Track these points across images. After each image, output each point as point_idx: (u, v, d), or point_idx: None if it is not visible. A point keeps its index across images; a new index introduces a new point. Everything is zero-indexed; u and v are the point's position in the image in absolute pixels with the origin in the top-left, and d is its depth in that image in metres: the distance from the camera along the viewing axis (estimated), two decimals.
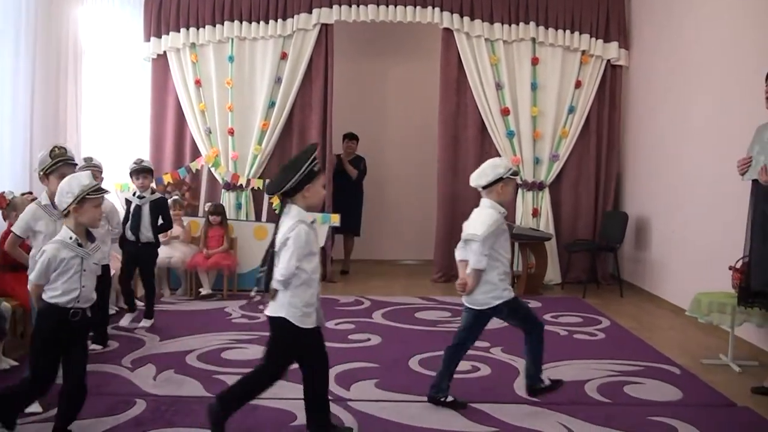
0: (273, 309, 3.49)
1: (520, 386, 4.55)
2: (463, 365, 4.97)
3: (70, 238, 3.42)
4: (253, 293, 3.64)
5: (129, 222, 6.00)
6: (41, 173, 4.20)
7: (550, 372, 4.79)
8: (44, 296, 3.40)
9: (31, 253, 4.14)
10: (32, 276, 3.41)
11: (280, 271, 3.41)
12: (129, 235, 5.99)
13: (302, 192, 3.52)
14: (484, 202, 4.20)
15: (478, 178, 4.17)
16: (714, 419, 4.05)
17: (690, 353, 5.50)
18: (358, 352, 5.39)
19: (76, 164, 4.60)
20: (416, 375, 4.82)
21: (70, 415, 3.50)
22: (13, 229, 4.32)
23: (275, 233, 3.51)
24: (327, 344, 5.12)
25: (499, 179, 4.14)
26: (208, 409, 3.53)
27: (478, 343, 5.63)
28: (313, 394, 3.62)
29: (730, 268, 5.06)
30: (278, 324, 3.48)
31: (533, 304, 7.22)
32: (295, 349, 3.56)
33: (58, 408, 3.51)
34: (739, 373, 5.00)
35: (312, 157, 3.49)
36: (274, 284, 3.45)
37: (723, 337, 5.60)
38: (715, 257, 5.85)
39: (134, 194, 6.16)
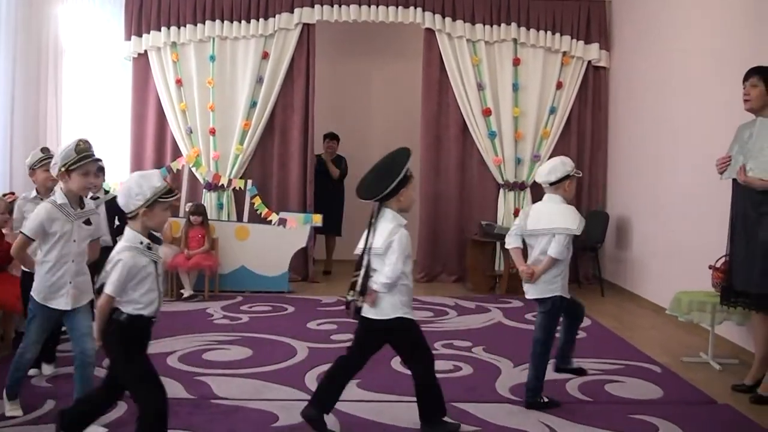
0: (381, 312, 3.61)
1: (501, 385, 4.57)
2: (445, 365, 4.99)
3: (141, 242, 3.14)
4: (351, 297, 3.63)
5: None
6: (63, 168, 3.71)
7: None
8: (125, 309, 3.11)
9: (38, 258, 3.77)
10: (110, 289, 3.06)
11: (386, 274, 3.53)
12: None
13: (397, 196, 3.66)
14: (554, 197, 4.28)
15: (549, 174, 4.25)
16: (694, 417, 4.08)
17: (671, 352, 5.54)
18: (341, 353, 5.36)
19: (100, 160, 4.44)
20: (398, 375, 4.80)
21: None
22: (23, 230, 3.75)
23: (368, 237, 3.62)
24: (309, 345, 5.13)
25: (567, 176, 4.25)
26: (306, 416, 3.65)
27: (459, 343, 5.68)
28: (425, 386, 3.76)
29: (711, 267, 5.10)
30: (397, 325, 3.64)
31: (515, 303, 7.27)
32: (417, 343, 3.74)
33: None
34: (719, 371, 5.04)
35: (408, 161, 3.64)
36: (379, 287, 3.56)
37: (703, 336, 5.65)
38: (695, 256, 5.89)
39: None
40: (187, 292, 7.41)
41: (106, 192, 5.81)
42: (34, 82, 7.53)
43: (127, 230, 3.17)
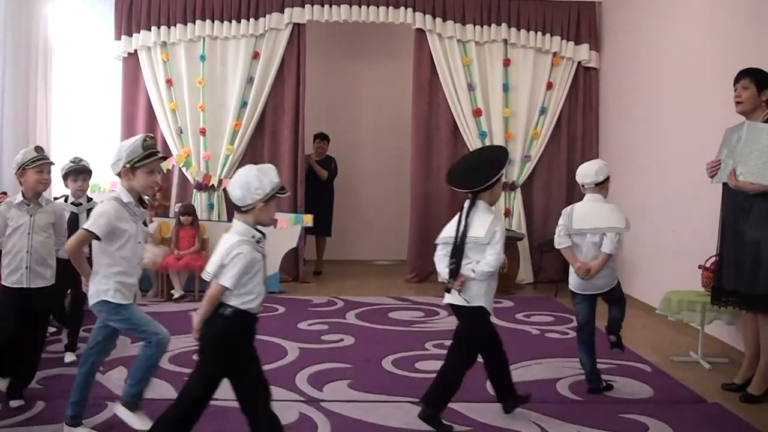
0: (469, 298, 3.77)
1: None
2: (436, 365, 4.98)
3: (253, 236, 3.11)
4: (449, 284, 3.79)
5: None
6: (128, 165, 3.51)
7: (522, 371, 4.83)
8: (232, 303, 3.08)
9: (104, 261, 3.54)
10: (230, 282, 3.03)
11: (491, 263, 3.72)
12: (63, 251, 4.43)
13: (492, 190, 3.85)
14: (597, 197, 4.50)
15: (597, 175, 4.48)
16: (685, 416, 4.10)
17: (661, 351, 5.56)
18: (332, 353, 5.37)
19: (165, 158, 4.29)
20: (389, 375, 4.82)
21: None
22: (89, 227, 3.47)
23: (464, 227, 3.77)
24: (299, 345, 5.12)
25: (608, 177, 4.52)
26: (423, 418, 3.78)
27: (450, 343, 5.65)
28: (500, 373, 4.04)
29: (700, 267, 5.13)
30: (477, 313, 3.81)
31: (506, 303, 7.27)
32: (478, 338, 3.92)
33: None
34: (709, 370, 5.07)
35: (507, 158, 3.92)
36: (479, 275, 3.74)
37: (693, 335, 5.67)
38: (685, 256, 5.92)
39: (66, 200, 5.09)
40: (177, 293, 7.38)
41: (89, 199, 5.17)
42: (23, 81, 7.49)
43: (239, 224, 3.15)
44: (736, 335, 5.42)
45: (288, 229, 7.89)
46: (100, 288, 3.53)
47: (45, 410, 3.98)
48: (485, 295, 3.80)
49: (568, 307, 7.14)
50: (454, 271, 3.77)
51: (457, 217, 3.86)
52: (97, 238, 3.48)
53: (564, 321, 6.54)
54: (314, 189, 8.94)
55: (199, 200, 8.49)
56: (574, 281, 4.54)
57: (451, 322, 6.40)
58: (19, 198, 4.11)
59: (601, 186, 4.48)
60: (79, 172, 5.02)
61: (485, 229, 3.74)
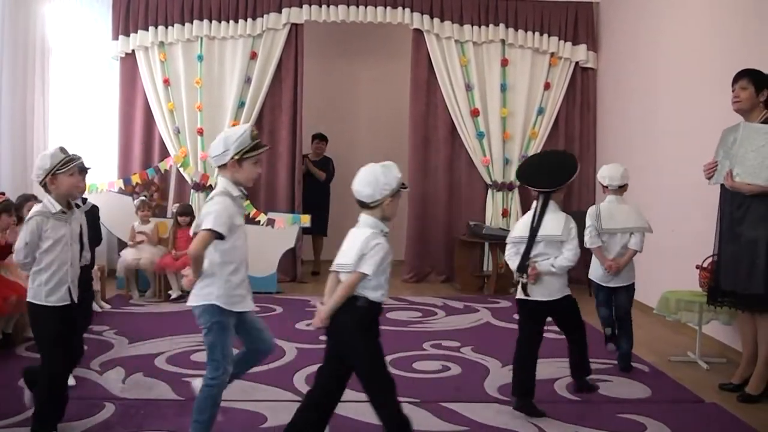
0: (551, 293, 4.10)
1: (490, 385, 4.57)
2: (433, 365, 5.00)
3: (382, 230, 3.23)
4: (518, 278, 4.10)
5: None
6: (236, 156, 3.35)
7: None
8: (368, 294, 3.18)
9: (216, 260, 3.32)
10: (371, 269, 3.13)
11: (570, 258, 4.03)
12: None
13: (561, 190, 4.17)
14: (621, 198, 5.00)
15: (622, 179, 4.96)
16: (682, 416, 4.10)
17: (658, 351, 5.56)
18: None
19: (270, 148, 4.10)
20: None
21: None
22: (213, 227, 3.23)
23: (538, 224, 4.05)
24: (297, 346, 5.13)
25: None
26: (518, 408, 4.04)
27: (448, 343, 5.68)
28: (581, 348, 4.45)
29: (698, 267, 5.13)
30: (568, 301, 4.22)
31: (503, 303, 7.28)
32: (578, 315, 4.38)
33: None
34: (706, 370, 5.07)
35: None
36: (559, 270, 4.06)
37: (690, 335, 5.68)
38: (683, 256, 5.92)
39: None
40: (174, 293, 7.38)
41: (84, 200, 4.64)
42: (21, 81, 7.49)
43: (369, 219, 3.26)
44: (733, 335, 5.42)
45: (285, 230, 7.89)
46: (212, 291, 3.33)
47: None
48: (565, 286, 4.18)
49: None
50: (524, 267, 4.06)
51: (528, 217, 4.14)
52: (221, 238, 3.26)
53: None
54: (310, 189, 8.94)
55: (196, 200, 8.47)
56: (599, 274, 5.03)
57: (448, 323, 6.43)
58: (56, 207, 3.58)
59: (624, 188, 4.99)
60: (80, 171, 4.48)
61: (561, 226, 4.04)
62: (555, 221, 4.05)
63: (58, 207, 3.58)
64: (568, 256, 4.03)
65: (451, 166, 8.87)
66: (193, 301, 3.37)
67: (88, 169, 4.28)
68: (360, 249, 3.15)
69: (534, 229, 4.05)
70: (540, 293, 4.09)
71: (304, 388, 4.47)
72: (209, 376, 3.35)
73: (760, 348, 4.41)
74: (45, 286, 3.53)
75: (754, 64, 4.51)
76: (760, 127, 4.30)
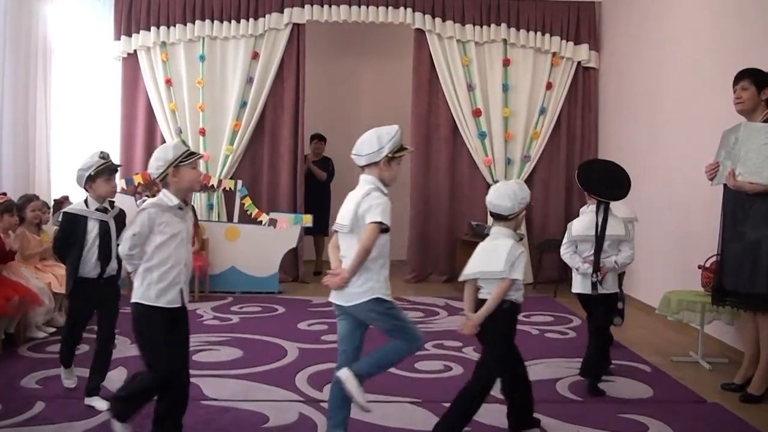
0: (610, 287, 4.55)
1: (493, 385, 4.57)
2: (435, 365, 5.00)
3: (520, 238, 3.70)
4: (594, 278, 4.52)
5: (94, 249, 4.05)
6: (389, 155, 3.42)
7: None
8: (512, 297, 3.60)
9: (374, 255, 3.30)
10: (520, 274, 3.55)
11: (631, 256, 4.55)
12: (90, 268, 4.05)
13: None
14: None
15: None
16: (684, 416, 4.10)
17: (660, 351, 5.56)
18: (331, 353, 5.32)
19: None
20: (388, 375, 4.78)
21: None
22: (382, 219, 3.23)
23: (604, 226, 4.51)
24: (299, 346, 5.12)
25: None
26: (588, 388, 4.47)
27: (450, 343, 5.68)
28: (602, 354, 4.68)
29: (700, 267, 5.13)
30: (614, 297, 4.71)
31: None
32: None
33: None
34: (708, 370, 5.07)
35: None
36: (622, 266, 4.61)
37: (692, 335, 5.67)
38: (684, 256, 5.92)
39: (88, 205, 4.10)
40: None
41: (112, 204, 4.23)
42: (23, 81, 7.49)
43: (506, 230, 3.72)
44: (735, 335, 5.42)
45: (287, 229, 7.89)
46: (373, 285, 3.33)
47: (45, 410, 3.97)
48: (617, 282, 4.66)
49: (567, 307, 7.16)
50: (598, 266, 4.49)
51: (587, 222, 4.64)
52: (386, 231, 3.29)
53: (563, 321, 6.54)
54: (311, 189, 8.94)
55: (198, 200, 8.48)
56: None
57: (450, 323, 6.43)
58: (173, 200, 3.34)
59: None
60: (112, 171, 4.13)
61: (622, 227, 4.56)
62: (616, 223, 4.56)
63: (176, 201, 3.35)
64: (629, 254, 4.55)
65: (453, 166, 8.87)
66: (354, 299, 3.37)
67: (119, 166, 4.20)
68: (507, 258, 3.54)
69: (602, 231, 4.50)
70: (606, 287, 4.53)
71: (306, 388, 4.47)
72: (400, 342, 3.44)
73: (762, 349, 4.40)
74: (156, 285, 3.31)
75: (756, 64, 4.51)
76: (761, 126, 4.30)
